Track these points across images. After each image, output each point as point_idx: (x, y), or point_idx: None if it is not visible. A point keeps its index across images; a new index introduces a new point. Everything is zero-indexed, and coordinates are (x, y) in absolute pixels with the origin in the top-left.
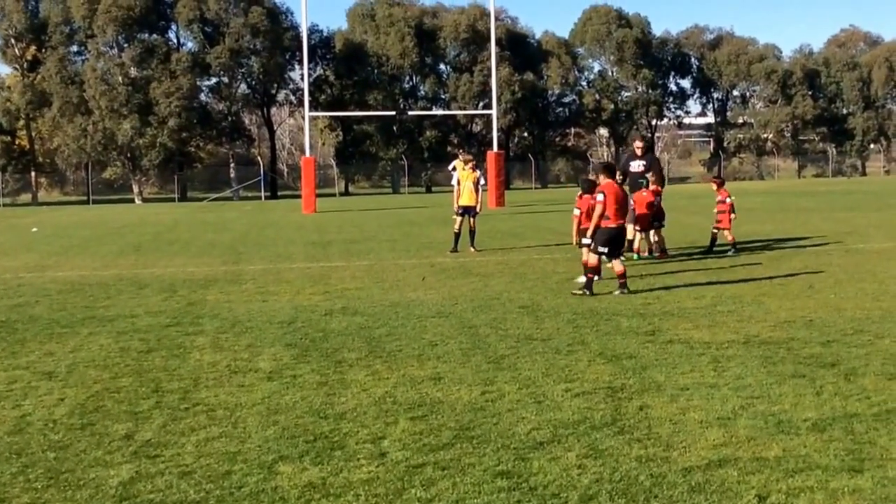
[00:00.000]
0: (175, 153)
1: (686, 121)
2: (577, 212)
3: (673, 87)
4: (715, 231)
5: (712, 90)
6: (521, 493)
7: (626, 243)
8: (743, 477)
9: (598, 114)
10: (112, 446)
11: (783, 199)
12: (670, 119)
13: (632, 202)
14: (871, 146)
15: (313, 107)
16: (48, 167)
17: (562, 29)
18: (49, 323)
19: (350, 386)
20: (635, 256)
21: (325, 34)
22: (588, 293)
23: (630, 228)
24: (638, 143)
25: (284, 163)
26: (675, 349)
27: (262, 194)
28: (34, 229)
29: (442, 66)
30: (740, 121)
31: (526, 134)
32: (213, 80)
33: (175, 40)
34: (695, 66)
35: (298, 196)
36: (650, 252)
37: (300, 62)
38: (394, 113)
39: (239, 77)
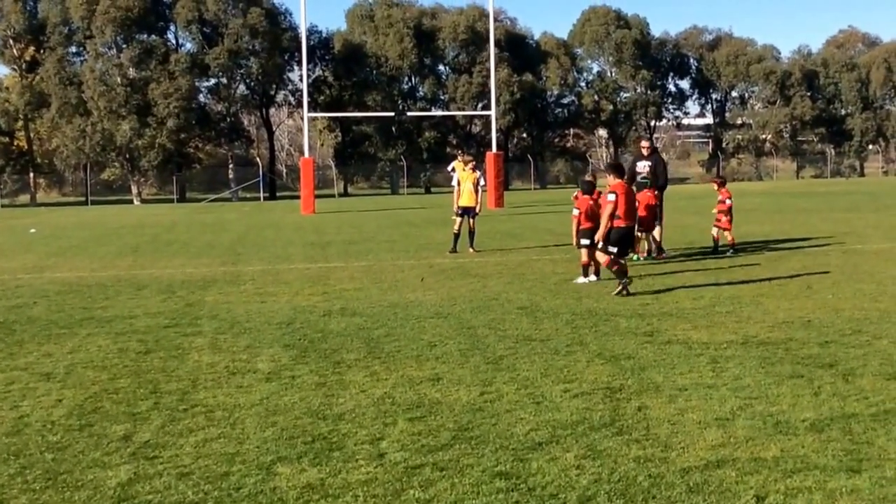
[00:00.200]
0: (174, 154)
1: (685, 122)
2: (576, 212)
3: (672, 88)
4: (716, 231)
5: (711, 91)
6: (519, 494)
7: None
8: (741, 477)
9: (597, 115)
10: (110, 447)
11: (781, 199)
12: (669, 120)
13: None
14: (870, 147)
15: (312, 108)
16: (47, 168)
17: (561, 30)
18: (47, 324)
19: (349, 387)
20: (635, 258)
21: (323, 35)
22: (626, 293)
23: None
24: (644, 144)
25: (283, 164)
26: (673, 350)
27: (261, 195)
28: (32, 230)
29: (441, 67)
30: (739, 121)
31: (525, 135)
32: (212, 80)
33: (174, 41)
34: (693, 67)
35: (297, 197)
36: (648, 253)
37: (299, 63)
38: (393, 114)
39: (238, 78)
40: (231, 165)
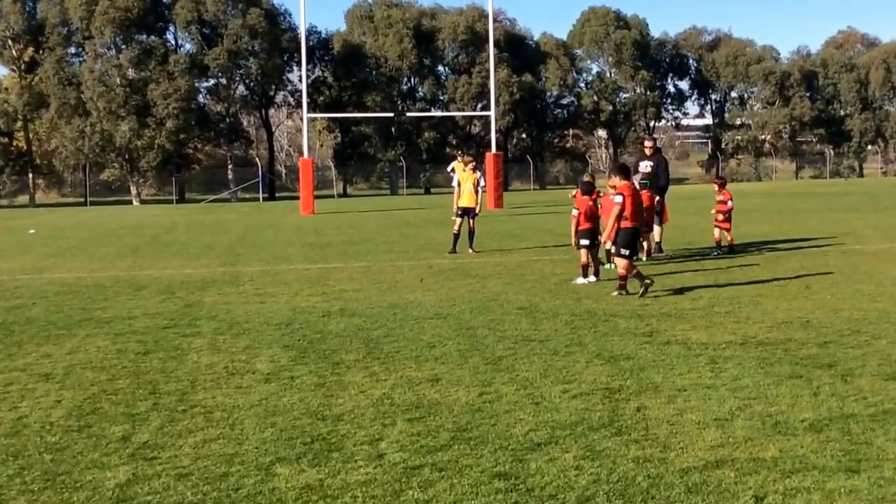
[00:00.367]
0: (173, 155)
1: (684, 122)
2: (575, 212)
3: (671, 89)
4: (717, 232)
5: (710, 91)
6: (518, 495)
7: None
8: (740, 478)
9: (597, 115)
10: (109, 448)
11: (781, 200)
12: (668, 120)
13: None
14: (869, 147)
15: (311, 108)
16: (46, 168)
17: (560, 30)
18: (46, 325)
19: (348, 387)
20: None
21: (323, 36)
22: (645, 291)
23: None
24: (647, 144)
25: (283, 164)
26: (672, 350)
27: (261, 196)
28: (31, 231)
29: (440, 68)
30: (738, 122)
31: (524, 135)
32: (212, 81)
33: (173, 42)
34: (693, 68)
35: (297, 197)
36: (648, 254)
37: (298, 64)
38: (392, 114)
39: (237, 78)
40: (230, 166)
